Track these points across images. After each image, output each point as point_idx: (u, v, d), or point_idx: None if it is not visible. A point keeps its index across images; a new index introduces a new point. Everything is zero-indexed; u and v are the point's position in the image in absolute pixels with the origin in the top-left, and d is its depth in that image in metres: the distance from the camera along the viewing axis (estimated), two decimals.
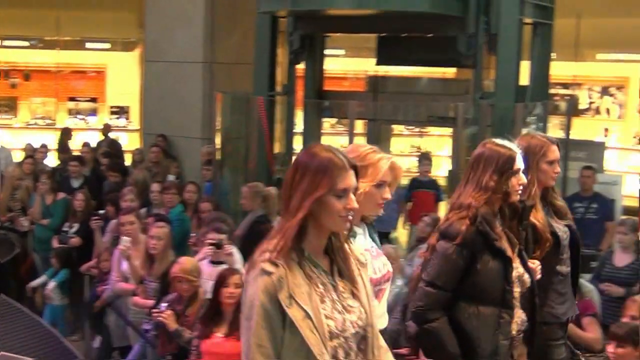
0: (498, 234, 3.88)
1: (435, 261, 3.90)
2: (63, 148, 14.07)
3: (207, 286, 6.51)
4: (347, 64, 17.19)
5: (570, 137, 11.25)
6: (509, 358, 3.94)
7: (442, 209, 10.42)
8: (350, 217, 2.79)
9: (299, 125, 11.27)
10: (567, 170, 10.93)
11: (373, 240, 3.80)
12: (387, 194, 3.64)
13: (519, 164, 3.93)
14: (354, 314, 2.84)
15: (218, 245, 7.03)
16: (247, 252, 7.70)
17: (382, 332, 6.11)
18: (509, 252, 3.89)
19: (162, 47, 12.99)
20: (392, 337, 5.95)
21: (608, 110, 18.44)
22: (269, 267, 2.74)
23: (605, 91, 18.47)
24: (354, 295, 2.88)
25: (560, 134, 11.83)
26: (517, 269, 3.96)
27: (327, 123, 14.65)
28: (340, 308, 2.82)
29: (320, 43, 11.22)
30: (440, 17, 9.59)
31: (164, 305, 6.42)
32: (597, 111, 18.51)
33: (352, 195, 2.78)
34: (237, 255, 7.34)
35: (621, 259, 7.41)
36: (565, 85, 18.17)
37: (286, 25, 10.76)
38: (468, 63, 9.79)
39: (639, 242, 7.63)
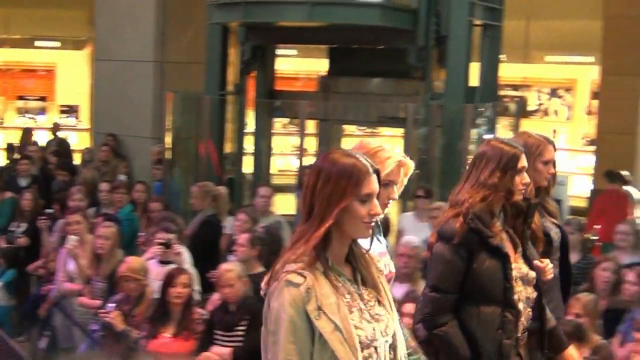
0: (494, 232, 3.80)
1: (435, 265, 3.85)
2: (22, 147, 13.92)
3: (155, 286, 6.48)
4: (299, 64, 17.21)
5: None
6: (517, 357, 3.87)
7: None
8: (373, 224, 2.72)
9: (251, 125, 11.26)
10: None
11: (377, 240, 3.70)
12: (394, 194, 3.48)
13: (524, 162, 3.86)
14: (382, 322, 2.76)
15: (167, 245, 7.00)
16: (196, 252, 7.73)
17: None
18: (506, 249, 3.82)
19: (112, 46, 12.89)
20: None
21: (556, 112, 18.71)
22: (295, 279, 2.63)
23: (554, 93, 18.74)
24: (380, 303, 2.80)
25: (510, 135, 11.97)
26: (521, 268, 3.88)
27: (279, 123, 14.66)
28: (369, 317, 2.73)
29: (272, 52, 11.24)
30: (390, 29, 9.67)
31: (111, 305, 6.38)
32: (546, 112, 18.77)
33: (375, 201, 2.70)
34: (186, 255, 7.31)
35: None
36: (514, 87, 18.39)
37: (237, 35, 10.76)
38: (418, 74, 9.88)
39: (584, 241, 7.75)
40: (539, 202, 4.22)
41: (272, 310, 2.65)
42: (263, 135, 11.18)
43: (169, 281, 6.01)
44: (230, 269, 6.15)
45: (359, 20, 9.49)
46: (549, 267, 4.08)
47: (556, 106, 18.68)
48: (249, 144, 11.13)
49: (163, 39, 12.54)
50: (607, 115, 14.65)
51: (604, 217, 10.02)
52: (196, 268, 7.24)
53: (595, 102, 16.23)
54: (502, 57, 11.23)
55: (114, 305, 6.36)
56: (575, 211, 11.32)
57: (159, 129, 11.94)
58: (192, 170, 10.99)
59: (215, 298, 6.41)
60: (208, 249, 8.18)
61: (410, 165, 3.56)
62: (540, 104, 18.82)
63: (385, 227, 7.99)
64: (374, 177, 2.70)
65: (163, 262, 6.94)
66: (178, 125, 11.33)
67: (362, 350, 2.67)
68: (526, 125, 16.71)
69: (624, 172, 11.02)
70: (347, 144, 15.69)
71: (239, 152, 11.01)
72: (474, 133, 10.60)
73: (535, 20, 17.13)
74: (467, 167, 3.98)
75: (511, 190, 3.81)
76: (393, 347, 2.79)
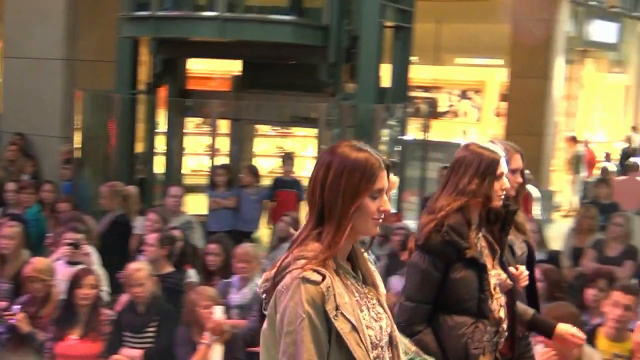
0: (470, 243, 3.71)
1: (410, 274, 3.78)
2: None
3: (63, 287, 6.37)
4: (212, 64, 17.10)
5: (429, 138, 11.58)
6: None
7: (305, 208, 10.51)
8: (381, 220, 2.63)
9: (163, 124, 11.17)
10: (426, 171, 11.26)
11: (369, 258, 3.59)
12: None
13: (503, 168, 3.78)
14: (383, 321, 2.68)
15: (75, 245, 6.90)
16: (106, 252, 7.63)
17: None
18: (483, 259, 3.74)
19: (21, 43, 12.61)
20: (251, 335, 5.98)
21: (466, 113, 19.11)
22: (312, 276, 2.49)
23: (463, 94, 19.13)
24: (379, 302, 2.72)
25: (420, 136, 12.15)
26: (500, 275, 3.82)
27: (192, 123, 14.58)
28: (375, 316, 2.65)
29: (183, 61, 11.16)
30: (302, 46, 9.73)
31: (16, 307, 6.25)
32: (456, 114, 19.16)
33: (385, 196, 2.61)
34: (94, 256, 7.21)
35: None
36: (425, 88, 18.68)
37: (148, 47, 10.68)
38: (329, 90, 9.96)
39: None
40: (518, 208, 4.15)
41: (287, 309, 2.49)
42: (175, 135, 11.09)
43: (75, 282, 5.92)
44: (140, 267, 6.10)
45: (270, 37, 9.56)
46: (524, 274, 4.04)
47: (466, 107, 19.07)
48: (160, 143, 11.04)
49: (73, 37, 12.33)
50: (514, 116, 15.01)
51: None
52: (106, 269, 7.15)
53: (504, 104, 16.62)
54: (413, 59, 11.38)
55: (19, 306, 6.23)
56: None
57: (68, 128, 11.73)
58: (102, 169, 10.85)
59: (124, 299, 6.34)
60: (118, 250, 8.09)
61: (394, 181, 3.51)
62: (451, 106, 19.19)
63: (295, 226, 8.06)
64: (385, 172, 2.62)
65: (71, 263, 6.83)
66: (88, 124, 11.17)
67: (372, 351, 2.59)
68: (437, 126, 17.05)
69: (525, 171, 11.28)
70: (259, 143, 15.72)
71: (150, 152, 10.91)
72: (385, 133, 10.73)
73: (446, 23, 17.42)
74: (446, 172, 3.89)
75: (489, 197, 3.74)
76: (394, 346, 2.72)
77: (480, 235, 3.81)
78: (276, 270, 2.57)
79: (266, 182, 11.07)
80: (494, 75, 18.30)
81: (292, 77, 10.39)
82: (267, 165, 14.88)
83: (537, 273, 6.46)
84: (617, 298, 5.11)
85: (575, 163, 16.08)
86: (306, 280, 2.48)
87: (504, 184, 3.77)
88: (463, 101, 19.14)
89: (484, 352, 3.76)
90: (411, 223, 9.30)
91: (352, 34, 9.77)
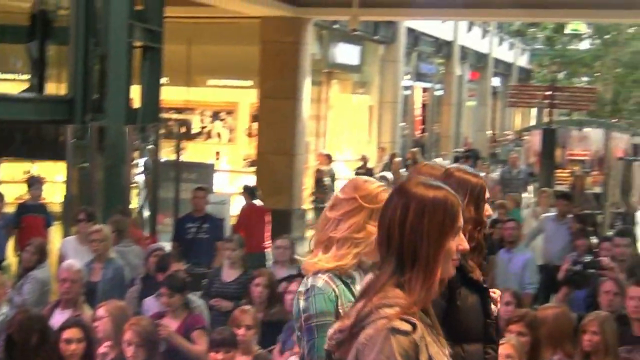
0: (471, 266, 3.57)
1: None
2: None
3: None
4: None
5: (182, 159, 11.57)
6: None
7: (55, 234, 10.14)
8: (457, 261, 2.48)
9: None
10: (180, 192, 11.23)
11: None
12: None
13: (487, 192, 3.69)
14: None
15: None
16: None
17: None
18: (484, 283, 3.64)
19: None
20: None
21: (219, 134, 19.27)
22: (402, 326, 2.30)
23: (216, 116, 19.28)
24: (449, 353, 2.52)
25: (173, 157, 12.11)
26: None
27: None
28: None
29: None
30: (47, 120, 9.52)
31: None
32: (209, 135, 19.27)
33: (461, 234, 2.46)
34: None
35: (229, 275, 7.68)
36: (178, 110, 18.63)
37: None
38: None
39: (244, 257, 7.96)
40: (491, 232, 4.07)
41: None
42: None
43: None
44: None
45: (10, 115, 9.32)
46: (499, 298, 3.92)
47: (219, 129, 19.24)
48: None
49: None
50: (265, 136, 15.33)
51: (244, 229, 10.48)
52: None
53: (255, 125, 16.91)
54: (165, 80, 11.32)
55: None
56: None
57: None
58: None
59: None
60: None
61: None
62: (204, 127, 19.28)
63: (41, 254, 7.74)
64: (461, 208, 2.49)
65: None
66: None
67: None
68: (191, 148, 17.05)
69: (252, 185, 11.63)
70: (6, 169, 14.98)
71: None
72: (136, 155, 10.60)
73: (196, 45, 17.49)
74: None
75: (483, 222, 3.65)
76: None
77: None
78: (354, 320, 2.38)
79: (12, 208, 10.58)
80: (245, 96, 18.58)
81: (38, 147, 10.09)
82: (13, 192, 14.20)
83: (296, 287, 6.62)
84: None
85: (331, 181, 16.52)
86: (396, 331, 2.30)
87: (487, 210, 3.71)
88: (216, 122, 19.29)
89: None
90: (166, 245, 9.20)
91: (100, 53, 9.57)
